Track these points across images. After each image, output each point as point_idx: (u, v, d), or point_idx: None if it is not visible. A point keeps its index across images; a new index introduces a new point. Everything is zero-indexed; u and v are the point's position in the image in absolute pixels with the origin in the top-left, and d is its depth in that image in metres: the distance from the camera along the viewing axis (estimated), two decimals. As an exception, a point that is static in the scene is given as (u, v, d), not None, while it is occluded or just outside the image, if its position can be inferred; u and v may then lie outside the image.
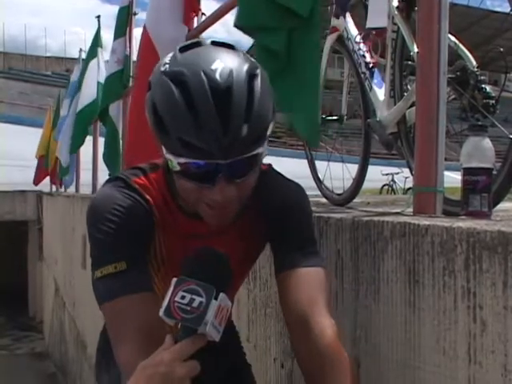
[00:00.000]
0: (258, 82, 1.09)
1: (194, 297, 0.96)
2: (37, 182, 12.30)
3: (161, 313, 0.97)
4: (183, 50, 1.13)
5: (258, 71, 1.11)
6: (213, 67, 1.06)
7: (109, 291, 1.15)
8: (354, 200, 2.28)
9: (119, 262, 1.15)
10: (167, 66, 1.11)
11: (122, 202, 1.20)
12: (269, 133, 1.12)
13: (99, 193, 1.25)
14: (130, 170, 1.31)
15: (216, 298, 0.97)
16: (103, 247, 1.19)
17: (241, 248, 1.35)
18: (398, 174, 12.54)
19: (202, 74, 1.05)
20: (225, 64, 1.07)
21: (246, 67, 1.09)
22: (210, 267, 1.03)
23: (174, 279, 0.99)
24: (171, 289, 0.98)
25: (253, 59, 1.15)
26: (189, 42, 1.16)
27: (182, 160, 1.08)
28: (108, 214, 1.18)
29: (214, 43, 1.14)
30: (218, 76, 1.05)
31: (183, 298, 0.96)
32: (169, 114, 1.07)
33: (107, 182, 1.29)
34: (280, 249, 1.31)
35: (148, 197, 1.25)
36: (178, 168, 1.11)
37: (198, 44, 1.14)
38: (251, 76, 1.09)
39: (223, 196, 1.10)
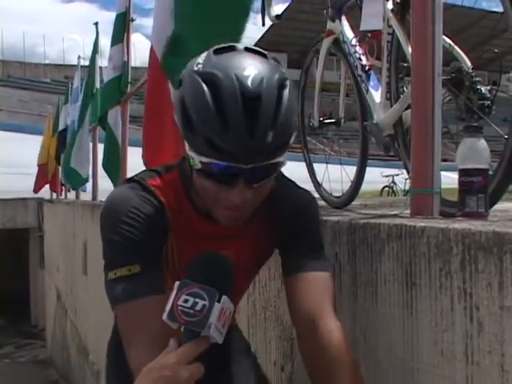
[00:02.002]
0: (286, 92, 1.12)
1: (197, 300, 0.97)
2: (37, 189, 12.31)
3: (164, 316, 0.98)
4: (217, 52, 1.15)
5: (287, 82, 1.13)
6: (245, 73, 1.08)
7: (122, 294, 1.16)
8: (353, 202, 2.29)
9: (133, 264, 1.17)
10: (200, 66, 1.13)
11: (138, 204, 1.21)
12: (291, 142, 1.15)
13: (115, 194, 1.26)
14: (145, 172, 1.32)
15: (219, 301, 0.98)
16: (118, 249, 1.19)
17: (251, 251, 1.37)
18: (398, 175, 12.53)
19: (235, 78, 1.07)
20: (257, 71, 1.09)
21: (276, 76, 1.11)
22: (212, 270, 1.03)
23: (177, 283, 1.00)
24: (174, 292, 0.98)
25: (283, 69, 1.17)
26: (223, 45, 1.18)
27: (205, 159, 1.10)
28: (124, 216, 1.19)
29: (247, 49, 1.16)
30: (249, 82, 1.07)
31: (186, 301, 0.97)
32: (198, 113, 1.09)
33: (122, 183, 1.30)
34: (289, 254, 1.33)
35: (163, 199, 1.26)
36: (199, 166, 1.12)
37: (232, 48, 1.16)
38: (281, 86, 1.11)
39: (240, 199, 1.13)
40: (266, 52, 1.18)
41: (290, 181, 1.42)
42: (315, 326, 1.19)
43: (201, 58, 1.15)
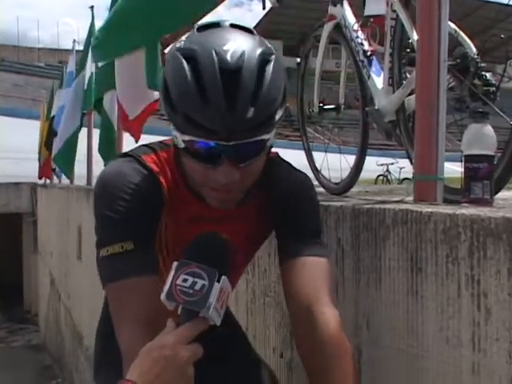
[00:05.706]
0: (269, 67, 1.08)
1: (196, 280, 0.95)
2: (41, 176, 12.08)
3: (162, 296, 0.96)
4: (201, 29, 1.13)
5: (273, 57, 1.10)
6: (225, 48, 1.06)
7: (114, 272, 1.13)
8: (351, 189, 2.27)
9: (126, 241, 1.13)
10: (182, 43, 1.11)
11: (133, 179, 1.18)
12: (277, 119, 1.11)
13: (110, 168, 1.22)
14: (140, 148, 1.29)
15: (218, 281, 0.96)
16: (111, 225, 1.16)
17: (246, 233, 1.34)
18: (392, 164, 12.57)
19: (214, 53, 1.05)
20: (238, 46, 1.06)
21: (259, 51, 1.08)
22: (210, 250, 1.02)
23: (175, 263, 0.98)
24: (172, 272, 0.97)
25: (270, 45, 1.14)
26: (208, 21, 1.16)
27: (187, 137, 1.08)
28: (119, 191, 1.16)
29: (233, 25, 1.14)
30: (228, 56, 1.05)
31: (185, 280, 0.95)
32: (177, 90, 1.07)
33: (117, 157, 1.27)
34: (285, 237, 1.30)
35: (158, 176, 1.23)
36: (182, 145, 1.11)
37: (217, 25, 1.14)
38: (263, 60, 1.08)
39: (226, 178, 1.10)
40: (251, 28, 1.15)
41: (287, 163, 1.39)
42: (311, 315, 1.16)
43: (184, 36, 1.14)
